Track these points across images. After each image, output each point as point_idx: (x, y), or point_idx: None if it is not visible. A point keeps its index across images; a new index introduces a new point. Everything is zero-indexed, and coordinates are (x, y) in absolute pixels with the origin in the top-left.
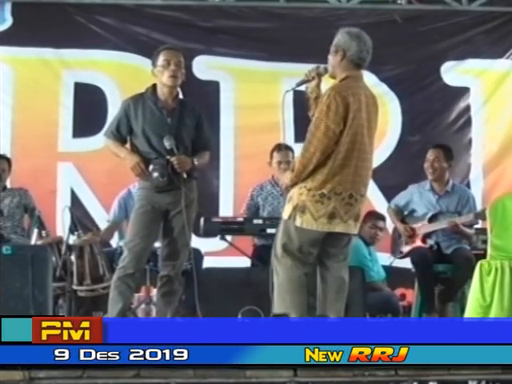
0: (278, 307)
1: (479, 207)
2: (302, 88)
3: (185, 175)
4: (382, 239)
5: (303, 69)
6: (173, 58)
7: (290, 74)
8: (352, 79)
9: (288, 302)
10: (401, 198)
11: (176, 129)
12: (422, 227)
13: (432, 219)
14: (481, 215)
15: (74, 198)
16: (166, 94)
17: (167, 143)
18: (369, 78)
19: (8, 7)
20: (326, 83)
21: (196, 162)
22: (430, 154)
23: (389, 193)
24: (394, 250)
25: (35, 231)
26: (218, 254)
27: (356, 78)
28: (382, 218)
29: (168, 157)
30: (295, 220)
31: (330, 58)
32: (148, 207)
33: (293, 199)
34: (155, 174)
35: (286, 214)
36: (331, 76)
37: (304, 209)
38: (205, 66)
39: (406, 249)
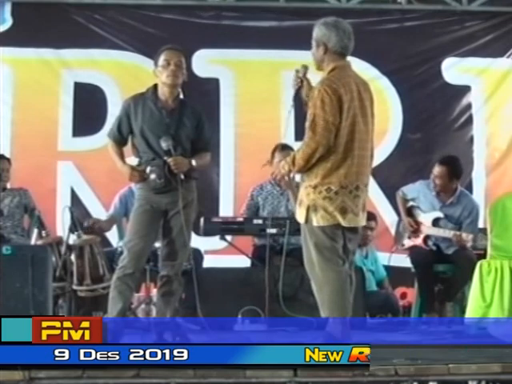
0: (322, 312)
1: (480, 207)
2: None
3: (182, 176)
4: (373, 239)
5: (302, 56)
6: (173, 58)
7: (289, 65)
8: (340, 69)
9: (330, 305)
10: (409, 191)
11: (174, 129)
12: (425, 228)
13: (435, 223)
14: (480, 237)
15: (74, 197)
16: (166, 94)
17: (164, 144)
18: (370, 71)
19: (8, 8)
20: (317, 75)
21: (194, 163)
22: (436, 169)
23: (389, 191)
24: (397, 242)
25: (35, 231)
26: (219, 252)
27: (344, 68)
28: (372, 217)
29: (165, 158)
30: (312, 221)
31: (313, 52)
32: (147, 207)
33: (303, 202)
34: (152, 176)
35: (301, 219)
36: (318, 69)
37: (316, 207)
38: (204, 62)
39: (407, 242)
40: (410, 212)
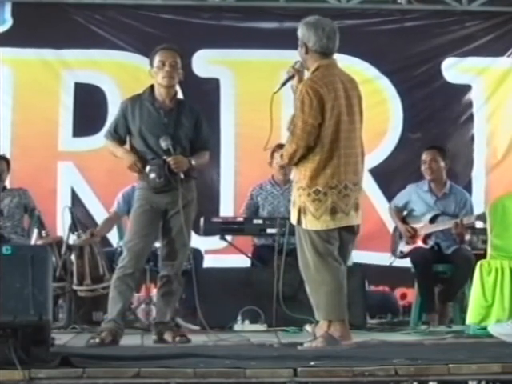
0: (318, 313)
1: (479, 206)
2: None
3: (182, 175)
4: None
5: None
6: (168, 58)
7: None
8: (324, 68)
9: (327, 307)
10: (399, 199)
11: (173, 129)
12: (424, 228)
13: (432, 220)
14: (482, 217)
15: (75, 197)
16: (163, 94)
17: (163, 143)
18: (370, 71)
19: (8, 8)
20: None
21: (193, 162)
22: (426, 156)
23: (389, 190)
24: (395, 250)
25: (35, 231)
26: (219, 252)
27: (328, 66)
28: None
29: (165, 157)
30: (302, 223)
31: (299, 52)
32: (147, 207)
33: (295, 203)
34: (152, 175)
35: (294, 220)
36: (306, 69)
37: (305, 210)
38: (204, 62)
39: (406, 248)
40: (405, 221)
